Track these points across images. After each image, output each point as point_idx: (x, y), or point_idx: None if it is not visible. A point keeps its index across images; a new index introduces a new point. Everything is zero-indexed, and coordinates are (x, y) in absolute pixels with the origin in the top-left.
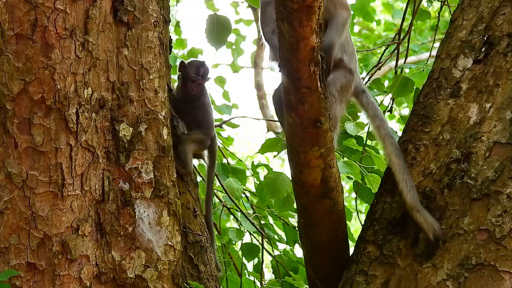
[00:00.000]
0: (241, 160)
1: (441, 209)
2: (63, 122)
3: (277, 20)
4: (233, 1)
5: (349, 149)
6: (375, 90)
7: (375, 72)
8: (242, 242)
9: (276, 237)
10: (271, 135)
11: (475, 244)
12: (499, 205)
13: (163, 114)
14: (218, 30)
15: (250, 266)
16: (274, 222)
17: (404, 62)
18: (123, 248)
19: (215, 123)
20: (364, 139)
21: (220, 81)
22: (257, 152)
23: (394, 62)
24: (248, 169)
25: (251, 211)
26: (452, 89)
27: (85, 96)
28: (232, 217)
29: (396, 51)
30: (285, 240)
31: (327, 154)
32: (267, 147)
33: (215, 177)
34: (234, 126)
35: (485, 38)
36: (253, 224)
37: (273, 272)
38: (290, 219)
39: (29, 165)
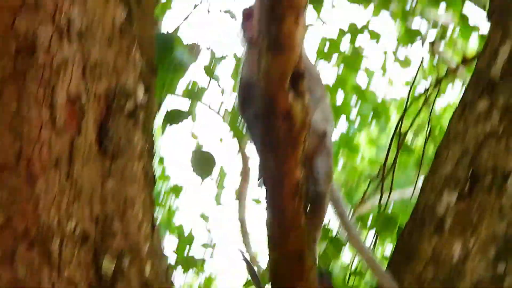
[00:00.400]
0: None
1: None
2: (46, 255)
3: (261, 154)
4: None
5: None
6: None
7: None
8: None
9: None
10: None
11: None
12: None
13: (146, 249)
14: (203, 163)
15: None
16: None
17: (388, 198)
18: None
19: None
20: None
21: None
22: None
23: (377, 198)
24: None
25: None
26: (436, 225)
27: (68, 229)
28: None
29: (380, 186)
30: None
31: None
32: None
33: None
34: None
35: (470, 173)
36: None
37: None
38: None
39: None
